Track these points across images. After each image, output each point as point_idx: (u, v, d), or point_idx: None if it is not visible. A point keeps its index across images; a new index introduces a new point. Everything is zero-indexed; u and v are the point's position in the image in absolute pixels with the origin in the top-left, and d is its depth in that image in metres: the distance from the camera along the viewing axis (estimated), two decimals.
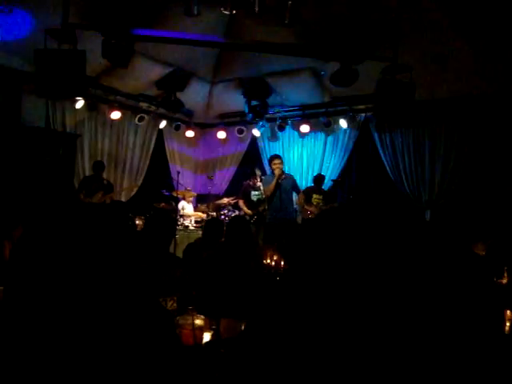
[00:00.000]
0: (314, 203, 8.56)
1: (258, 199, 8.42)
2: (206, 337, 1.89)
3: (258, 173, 8.76)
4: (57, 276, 1.38)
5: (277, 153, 10.02)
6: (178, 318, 1.90)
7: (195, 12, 5.92)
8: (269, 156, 10.27)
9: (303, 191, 8.78)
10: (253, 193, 8.51)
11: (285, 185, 7.90)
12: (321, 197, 8.71)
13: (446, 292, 1.38)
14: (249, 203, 8.45)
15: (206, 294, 2.74)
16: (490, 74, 6.98)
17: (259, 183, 8.40)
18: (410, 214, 8.50)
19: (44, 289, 1.36)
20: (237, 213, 8.73)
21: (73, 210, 1.64)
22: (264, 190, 8.01)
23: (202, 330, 1.89)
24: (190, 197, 9.80)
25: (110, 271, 1.51)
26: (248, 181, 8.65)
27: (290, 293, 1.28)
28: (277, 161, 7.91)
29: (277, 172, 7.80)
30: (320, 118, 9.56)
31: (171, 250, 7.44)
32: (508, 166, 7.59)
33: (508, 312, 2.86)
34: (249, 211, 8.33)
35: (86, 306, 1.35)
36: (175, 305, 2.08)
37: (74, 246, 1.45)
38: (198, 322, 1.90)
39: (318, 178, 8.92)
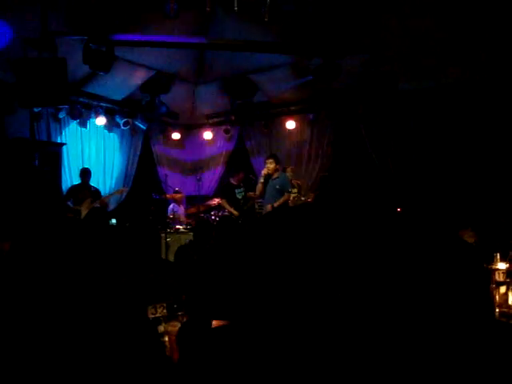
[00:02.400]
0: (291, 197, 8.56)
1: (243, 197, 8.39)
2: None
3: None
4: (46, 288, 1.38)
5: (264, 150, 10.11)
6: (167, 324, 1.90)
7: (173, 14, 5.90)
8: (256, 155, 10.33)
9: None
10: (237, 191, 8.48)
11: (272, 184, 7.85)
12: (296, 190, 8.72)
13: (434, 280, 1.39)
14: (233, 202, 8.40)
15: (197, 298, 2.74)
16: (472, 62, 7.02)
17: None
18: (398, 203, 8.54)
19: (33, 301, 1.36)
20: (227, 213, 8.72)
21: (59, 222, 1.63)
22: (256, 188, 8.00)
23: None
24: (180, 198, 9.77)
25: (99, 281, 1.52)
26: (231, 179, 8.61)
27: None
28: (268, 160, 7.88)
29: (263, 171, 7.78)
30: (305, 113, 9.57)
31: (163, 253, 7.46)
32: (497, 152, 7.64)
33: (497, 297, 2.90)
34: (235, 212, 8.26)
35: (75, 317, 1.35)
36: (165, 311, 2.08)
37: (63, 258, 1.45)
38: None
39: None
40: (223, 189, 8.87)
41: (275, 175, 7.78)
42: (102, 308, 1.42)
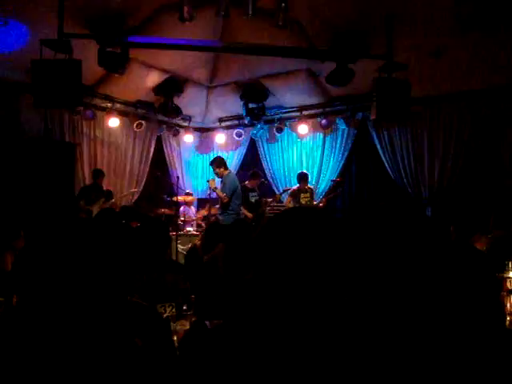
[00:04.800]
0: (303, 203, 8.56)
1: (256, 200, 8.44)
2: None
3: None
4: (58, 286, 1.39)
5: (276, 154, 10.15)
6: (175, 323, 1.91)
7: (189, 17, 5.93)
8: (268, 158, 10.34)
9: (290, 193, 8.83)
10: (251, 194, 8.52)
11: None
12: (308, 195, 8.72)
13: (446, 288, 1.38)
14: (248, 205, 8.44)
15: (206, 299, 2.75)
16: (486, 69, 6.98)
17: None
18: (410, 210, 8.48)
19: (46, 299, 1.37)
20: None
21: (73, 220, 1.65)
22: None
23: None
24: (191, 200, 9.80)
25: (111, 279, 1.53)
26: (246, 182, 8.65)
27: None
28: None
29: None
30: (318, 118, 9.58)
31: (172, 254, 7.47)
32: (507, 160, 7.58)
33: (508, 306, 2.87)
34: (249, 214, 8.32)
35: (87, 315, 1.37)
36: (174, 310, 2.10)
37: (76, 257, 1.46)
38: None
39: (302, 177, 8.88)
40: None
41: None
42: (111, 306, 1.43)
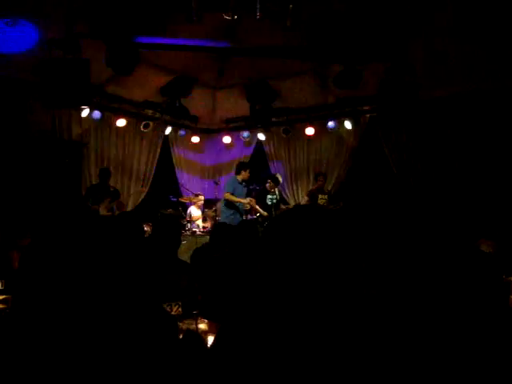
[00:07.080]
0: (321, 204, 8.57)
1: (273, 203, 8.49)
2: (211, 341, 1.89)
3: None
4: (65, 284, 1.40)
5: (283, 156, 10.17)
6: (182, 322, 1.91)
7: (196, 18, 5.94)
8: (275, 160, 10.32)
9: (307, 193, 8.86)
10: (269, 196, 8.57)
11: None
12: (326, 197, 8.73)
13: (453, 291, 1.38)
14: (263, 206, 8.49)
15: (212, 299, 2.75)
16: (492, 71, 6.95)
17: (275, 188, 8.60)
18: (416, 212, 8.46)
19: (52, 297, 1.38)
20: (244, 217, 8.74)
21: (80, 219, 1.66)
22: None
23: (206, 334, 1.91)
24: (200, 201, 9.80)
25: (117, 278, 1.53)
26: (267, 184, 8.71)
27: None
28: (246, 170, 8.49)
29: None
30: (325, 119, 9.57)
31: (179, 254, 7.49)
32: None
33: None
34: (264, 213, 8.36)
35: (93, 313, 1.37)
36: (180, 310, 2.10)
37: (82, 255, 1.47)
38: (202, 326, 1.92)
39: (320, 177, 8.93)
40: (256, 190, 8.95)
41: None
42: (118, 304, 1.43)
